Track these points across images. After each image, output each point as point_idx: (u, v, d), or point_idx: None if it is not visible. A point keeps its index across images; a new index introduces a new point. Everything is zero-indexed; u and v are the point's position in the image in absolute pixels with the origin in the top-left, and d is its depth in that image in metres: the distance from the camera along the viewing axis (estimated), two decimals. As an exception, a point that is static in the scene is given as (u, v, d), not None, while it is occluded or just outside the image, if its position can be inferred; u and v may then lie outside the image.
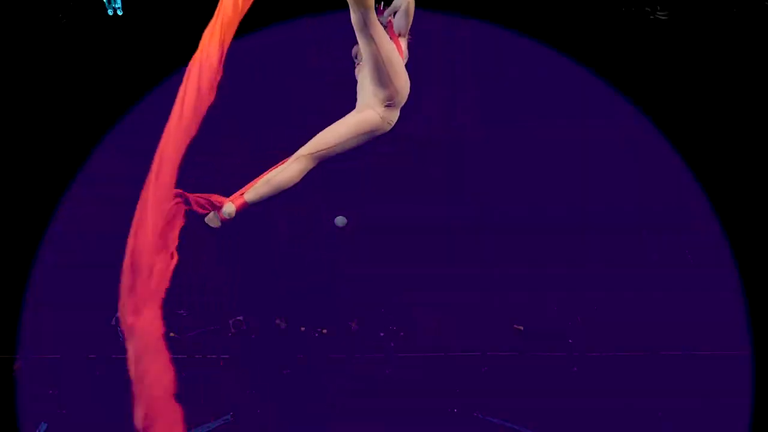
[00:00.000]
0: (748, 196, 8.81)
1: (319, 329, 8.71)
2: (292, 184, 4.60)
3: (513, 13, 8.48)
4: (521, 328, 8.77)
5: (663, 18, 8.35)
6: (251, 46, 8.68)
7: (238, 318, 8.69)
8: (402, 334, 8.72)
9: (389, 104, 4.53)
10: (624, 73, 8.75)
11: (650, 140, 8.86)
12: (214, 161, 9.16)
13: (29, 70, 8.56)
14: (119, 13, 7.99)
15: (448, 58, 9.21)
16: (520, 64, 8.93)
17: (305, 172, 4.61)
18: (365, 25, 4.33)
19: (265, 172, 4.59)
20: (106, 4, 7.93)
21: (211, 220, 4.65)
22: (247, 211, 9.58)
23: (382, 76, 4.46)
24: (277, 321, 8.72)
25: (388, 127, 4.60)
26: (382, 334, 8.69)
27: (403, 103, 4.59)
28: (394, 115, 4.59)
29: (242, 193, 4.57)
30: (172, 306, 8.88)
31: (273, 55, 9.03)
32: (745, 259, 8.64)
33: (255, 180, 4.60)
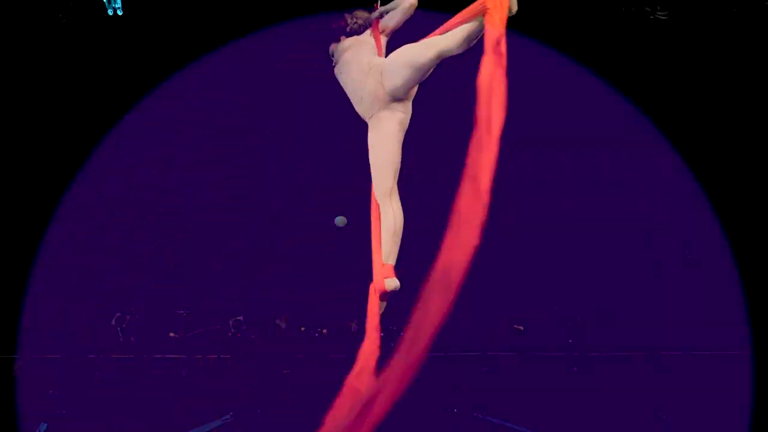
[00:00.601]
0: (748, 196, 8.81)
1: (319, 329, 8.71)
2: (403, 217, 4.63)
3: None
4: (521, 328, 8.76)
5: (663, 18, 8.35)
6: (252, 47, 8.69)
7: (238, 318, 8.69)
8: (402, 334, 8.71)
9: (407, 99, 4.61)
10: (624, 73, 8.75)
11: (650, 140, 8.86)
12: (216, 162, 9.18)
13: (29, 70, 8.56)
14: (119, 13, 7.99)
15: (446, 58, 9.20)
16: (520, 64, 8.91)
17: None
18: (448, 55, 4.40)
19: (374, 234, 4.71)
20: (106, 4, 7.93)
21: (381, 308, 4.80)
22: (245, 213, 9.53)
23: (415, 83, 4.53)
24: (277, 321, 8.72)
25: (409, 118, 4.67)
26: (381, 335, 8.67)
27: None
28: (410, 107, 4.69)
29: (382, 264, 4.71)
30: (172, 306, 8.89)
31: (273, 55, 9.02)
32: (745, 259, 8.64)
33: (375, 246, 4.71)
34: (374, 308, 4.51)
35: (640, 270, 9.02)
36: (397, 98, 4.53)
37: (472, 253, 3.82)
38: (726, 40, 8.53)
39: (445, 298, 3.72)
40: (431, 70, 4.49)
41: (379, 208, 4.61)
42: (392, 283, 4.68)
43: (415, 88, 4.61)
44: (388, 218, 4.58)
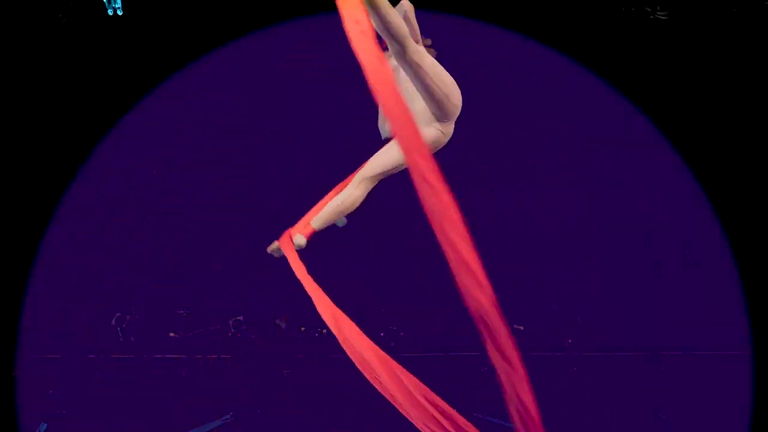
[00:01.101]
0: (748, 196, 8.80)
1: (319, 329, 8.71)
2: (356, 206, 4.67)
3: (513, 14, 8.47)
4: (521, 328, 8.76)
5: (663, 18, 8.35)
6: (252, 47, 8.69)
7: (238, 318, 8.69)
8: (402, 334, 8.72)
9: (446, 120, 4.50)
10: (624, 73, 8.74)
11: (650, 140, 8.86)
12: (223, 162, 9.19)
13: (29, 70, 8.55)
14: (119, 13, 7.99)
15: (447, 59, 9.20)
16: (520, 64, 8.92)
17: (367, 193, 4.59)
18: (405, 52, 4.28)
19: (326, 197, 4.65)
20: (106, 4, 7.93)
21: (275, 250, 4.75)
22: (245, 213, 9.53)
23: (436, 96, 4.42)
24: (277, 321, 8.72)
25: (446, 140, 4.57)
26: (382, 334, 8.69)
27: (458, 114, 4.53)
28: (452, 128, 4.56)
29: (308, 223, 4.62)
30: (172, 306, 8.89)
31: (277, 55, 9.02)
32: (745, 259, 8.63)
33: (316, 207, 4.63)
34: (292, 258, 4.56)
35: (640, 270, 9.02)
36: (436, 114, 4.45)
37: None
38: (726, 40, 8.52)
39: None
40: (416, 66, 4.34)
41: (354, 182, 4.56)
42: (300, 240, 4.72)
43: (456, 108, 4.45)
44: (344, 196, 4.64)
